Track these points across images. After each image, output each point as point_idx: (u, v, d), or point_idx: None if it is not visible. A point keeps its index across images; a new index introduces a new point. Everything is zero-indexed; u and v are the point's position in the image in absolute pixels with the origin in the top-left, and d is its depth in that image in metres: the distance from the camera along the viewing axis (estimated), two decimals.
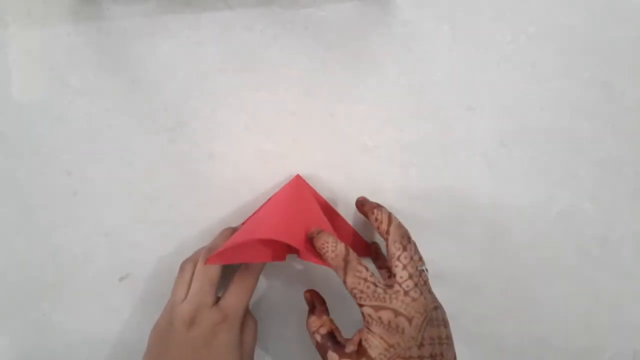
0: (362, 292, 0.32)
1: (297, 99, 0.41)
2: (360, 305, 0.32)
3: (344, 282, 0.33)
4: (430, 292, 0.33)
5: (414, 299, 0.32)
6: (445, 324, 0.33)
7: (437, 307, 0.33)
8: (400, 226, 0.35)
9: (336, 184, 0.41)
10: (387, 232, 0.35)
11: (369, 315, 0.32)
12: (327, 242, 0.33)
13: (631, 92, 0.41)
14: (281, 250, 0.37)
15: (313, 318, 0.36)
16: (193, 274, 0.36)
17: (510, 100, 0.41)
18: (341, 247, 0.33)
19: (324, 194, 0.41)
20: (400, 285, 0.32)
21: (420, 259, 0.34)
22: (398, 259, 0.33)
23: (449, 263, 0.42)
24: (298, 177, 0.41)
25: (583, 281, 0.42)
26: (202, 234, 0.41)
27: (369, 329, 0.32)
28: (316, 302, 0.37)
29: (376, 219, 0.36)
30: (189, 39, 0.41)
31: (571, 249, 0.42)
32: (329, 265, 0.33)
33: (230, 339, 0.34)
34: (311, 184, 0.41)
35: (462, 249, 0.42)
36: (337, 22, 0.41)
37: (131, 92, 0.41)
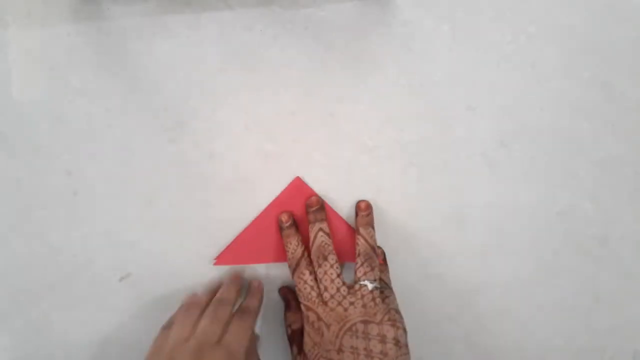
0: (300, 291, 0.38)
1: (297, 99, 0.41)
2: (300, 302, 0.38)
3: (292, 279, 0.38)
4: (365, 306, 0.36)
5: (331, 309, 0.36)
6: (382, 339, 0.35)
7: (370, 321, 0.35)
8: (321, 245, 0.38)
9: (336, 184, 0.41)
10: (311, 247, 0.39)
11: (303, 312, 0.37)
12: (290, 243, 0.39)
13: (631, 92, 0.41)
14: (284, 252, 0.40)
15: (289, 314, 0.40)
16: (200, 315, 0.36)
17: (510, 100, 0.41)
18: (299, 250, 0.38)
19: (324, 194, 0.41)
20: (322, 295, 0.37)
21: (366, 274, 0.37)
22: (316, 273, 0.38)
23: (449, 263, 0.42)
24: (298, 179, 0.41)
25: (583, 281, 0.42)
26: (202, 234, 0.41)
27: (305, 326, 0.37)
28: (291, 298, 0.41)
29: (308, 229, 0.40)
30: (189, 39, 0.41)
31: (571, 249, 0.42)
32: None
33: None
34: (311, 184, 0.41)
35: (462, 249, 0.42)
36: (337, 22, 0.41)
37: (131, 92, 0.41)
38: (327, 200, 0.41)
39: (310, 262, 0.38)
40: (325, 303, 0.36)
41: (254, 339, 0.38)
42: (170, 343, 0.35)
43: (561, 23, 0.42)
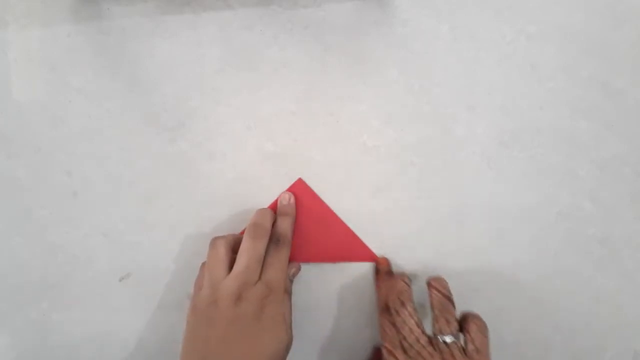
0: (384, 331, 0.36)
1: (297, 99, 0.41)
2: (382, 345, 0.36)
3: (397, 314, 0.36)
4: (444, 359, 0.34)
5: (411, 358, 0.34)
6: None
7: None
8: (402, 291, 0.37)
9: (336, 184, 0.41)
10: (390, 294, 0.38)
11: (383, 354, 0.36)
12: (381, 288, 0.40)
13: (631, 92, 0.41)
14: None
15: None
16: (228, 251, 0.37)
17: (510, 100, 0.41)
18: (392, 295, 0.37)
19: (324, 194, 0.41)
20: (402, 343, 0.35)
21: (441, 329, 0.35)
22: (395, 319, 0.36)
23: (449, 263, 0.42)
24: (300, 180, 0.41)
25: (583, 281, 0.42)
26: (202, 234, 0.41)
27: None
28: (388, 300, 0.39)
29: (390, 280, 0.40)
30: (189, 39, 0.41)
31: (571, 249, 0.42)
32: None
33: (278, 311, 0.35)
34: (311, 185, 0.41)
35: (462, 249, 0.42)
36: (337, 22, 0.41)
37: (131, 92, 0.41)
38: (326, 201, 0.41)
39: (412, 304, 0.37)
40: (405, 351, 0.35)
41: (286, 269, 0.37)
42: (207, 286, 0.36)
43: (561, 23, 0.42)
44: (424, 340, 0.35)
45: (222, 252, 0.36)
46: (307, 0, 0.41)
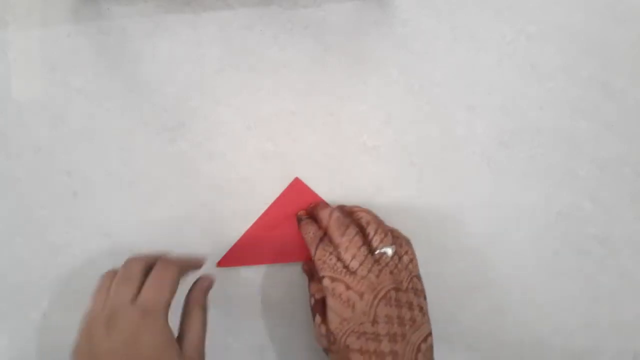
0: (324, 262, 0.34)
1: (297, 99, 0.41)
2: (322, 278, 0.34)
3: (313, 256, 0.35)
4: (392, 272, 0.34)
5: (362, 277, 0.33)
6: (410, 306, 0.34)
7: (399, 289, 0.34)
8: (339, 218, 0.36)
9: (336, 184, 0.41)
10: (327, 227, 0.36)
11: (326, 287, 0.34)
12: (309, 230, 0.37)
13: (631, 92, 0.41)
14: (285, 253, 0.40)
15: (313, 284, 0.38)
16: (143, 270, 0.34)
17: (510, 100, 0.41)
18: (320, 232, 0.36)
19: (324, 194, 0.41)
20: (348, 266, 0.34)
21: (382, 240, 0.35)
22: (339, 245, 0.35)
23: (449, 263, 0.42)
24: (297, 180, 0.41)
25: (583, 281, 0.42)
26: (202, 234, 0.41)
27: (327, 303, 0.34)
28: (314, 271, 0.38)
29: (318, 218, 0.38)
30: (189, 39, 0.41)
31: (571, 249, 0.42)
32: (309, 247, 0.36)
33: (157, 336, 0.31)
34: (311, 185, 0.41)
35: (462, 248, 0.42)
36: (337, 22, 0.41)
37: (131, 92, 0.41)
38: (326, 200, 0.41)
39: (330, 241, 0.36)
40: (354, 272, 0.34)
41: (174, 289, 0.33)
42: (88, 318, 0.32)
43: (561, 23, 0.42)
44: (370, 257, 0.34)
45: (107, 282, 0.33)
46: (307, 0, 0.41)
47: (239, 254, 0.41)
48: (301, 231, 0.38)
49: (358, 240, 0.35)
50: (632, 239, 0.42)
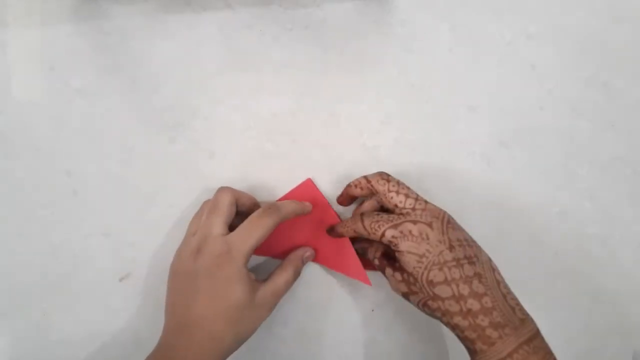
0: (378, 222, 0.34)
1: (297, 99, 0.41)
2: (382, 235, 0.34)
3: (364, 227, 0.35)
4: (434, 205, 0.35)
5: (423, 209, 0.34)
6: (462, 229, 0.35)
7: (448, 213, 0.35)
8: (375, 173, 0.37)
9: (336, 184, 0.41)
10: (369, 182, 0.37)
11: (392, 236, 0.34)
12: (344, 222, 0.37)
13: (631, 92, 0.41)
14: (290, 249, 0.40)
15: (370, 250, 0.38)
16: (232, 203, 0.37)
17: (510, 100, 0.41)
18: (357, 220, 0.36)
19: (324, 194, 0.41)
20: (404, 206, 0.35)
21: (407, 194, 0.36)
22: (389, 191, 0.35)
23: None
24: (309, 181, 0.41)
25: (583, 281, 0.42)
26: None
27: (397, 251, 0.34)
28: (365, 245, 0.38)
29: (356, 187, 0.37)
30: (189, 39, 0.41)
31: (571, 249, 0.42)
32: (353, 227, 0.36)
33: (234, 272, 0.33)
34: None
35: None
36: (337, 22, 0.41)
37: (131, 92, 0.41)
38: (327, 202, 0.41)
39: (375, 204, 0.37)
40: (412, 209, 0.34)
41: (264, 236, 0.35)
42: (185, 238, 0.37)
43: (561, 23, 0.42)
44: (418, 195, 0.36)
45: (203, 211, 0.37)
46: (307, 0, 0.41)
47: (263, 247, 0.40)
48: (339, 230, 0.38)
49: (402, 184, 0.36)
50: (632, 239, 0.42)
